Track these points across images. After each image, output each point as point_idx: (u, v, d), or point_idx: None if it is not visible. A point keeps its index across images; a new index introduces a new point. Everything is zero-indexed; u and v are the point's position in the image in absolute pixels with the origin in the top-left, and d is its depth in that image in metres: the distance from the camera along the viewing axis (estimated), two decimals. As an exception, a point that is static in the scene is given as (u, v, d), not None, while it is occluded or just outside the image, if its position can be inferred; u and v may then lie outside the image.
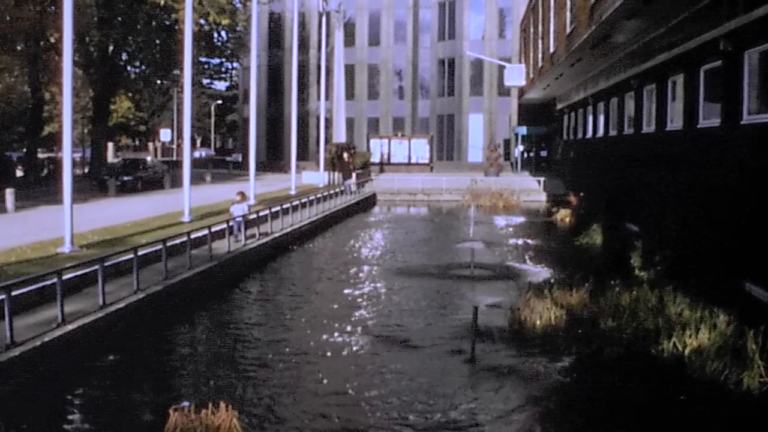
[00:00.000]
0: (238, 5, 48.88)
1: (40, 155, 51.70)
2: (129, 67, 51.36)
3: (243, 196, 21.74)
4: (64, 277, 11.85)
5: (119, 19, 44.94)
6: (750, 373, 10.23)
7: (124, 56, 49.41)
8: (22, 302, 11.76)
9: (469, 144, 63.55)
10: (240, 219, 20.97)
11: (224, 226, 20.02)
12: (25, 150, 47.79)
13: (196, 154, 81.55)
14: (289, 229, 25.04)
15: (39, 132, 47.37)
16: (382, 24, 67.11)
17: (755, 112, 13.84)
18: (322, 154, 45.60)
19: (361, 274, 20.09)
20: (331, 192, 36.02)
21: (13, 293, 10.65)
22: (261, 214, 23.56)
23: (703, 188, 16.54)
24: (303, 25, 63.98)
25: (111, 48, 47.12)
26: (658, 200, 20.51)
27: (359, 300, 16.74)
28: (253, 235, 21.89)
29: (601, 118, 31.04)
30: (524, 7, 53.12)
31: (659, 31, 19.83)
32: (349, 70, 62.91)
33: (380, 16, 66.97)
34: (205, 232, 18.49)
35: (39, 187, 38.83)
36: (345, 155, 41.45)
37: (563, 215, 33.35)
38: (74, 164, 19.58)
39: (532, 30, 44.75)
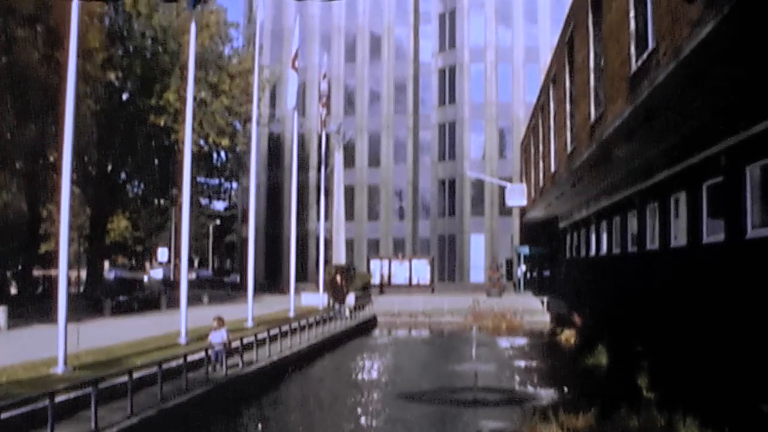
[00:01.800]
0: (238, 126, 49.32)
1: (36, 273, 51.19)
2: (127, 186, 51.50)
3: (220, 321, 19.65)
4: (57, 399, 11.23)
5: (119, 138, 45.26)
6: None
7: (123, 175, 49.59)
8: (12, 425, 11.05)
9: (471, 264, 63.06)
10: (220, 348, 18.88)
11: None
12: (20, 267, 47.29)
13: (193, 275, 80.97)
14: (287, 353, 24.07)
15: (35, 249, 46.94)
16: (382, 145, 67.73)
17: (759, 226, 13.42)
18: (322, 275, 44.99)
19: (361, 400, 19.11)
20: (330, 314, 35.24)
21: (2, 416, 10.08)
22: (258, 337, 22.70)
23: (710, 305, 15.92)
24: (302, 145, 64.44)
25: (110, 167, 47.30)
26: (664, 319, 19.80)
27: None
28: (251, 361, 20.83)
29: (604, 237, 30.61)
30: (524, 126, 53.56)
31: (660, 148, 19.54)
32: (349, 191, 62.96)
33: (380, 137, 67.67)
34: (202, 354, 17.75)
35: (33, 305, 38.16)
36: (338, 278, 40.77)
37: (567, 336, 32.57)
38: (69, 282, 19.07)
39: (532, 150, 44.87)
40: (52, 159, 40.56)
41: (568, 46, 27.77)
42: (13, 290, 44.86)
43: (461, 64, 65.65)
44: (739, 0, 9.28)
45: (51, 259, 50.76)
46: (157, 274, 70.51)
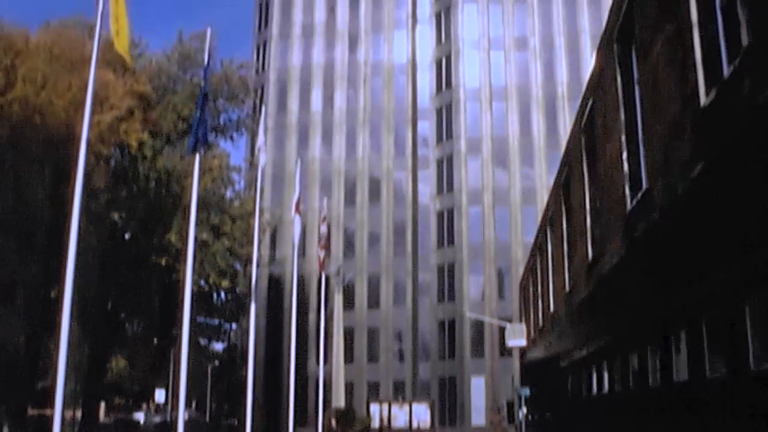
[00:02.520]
0: (238, 268, 49.59)
1: (30, 411, 50.15)
2: (127, 325, 51.26)
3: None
4: None
5: (120, 277, 45.42)
6: None
7: (123, 314, 49.43)
8: None
9: (472, 407, 61.98)
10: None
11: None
12: (14, 405, 46.37)
13: (190, 416, 79.21)
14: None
15: (32, 386, 46.24)
16: (381, 286, 67.84)
17: (762, 359, 13.39)
18: (321, 419, 44.18)
19: None
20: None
21: None
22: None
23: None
24: (303, 287, 64.57)
25: (110, 305, 47.22)
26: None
27: None
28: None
29: (606, 375, 30.29)
30: (522, 267, 53.83)
31: (658, 284, 19.66)
32: (349, 333, 62.62)
33: (379, 279, 67.86)
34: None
35: (24, 448, 37.26)
36: (333, 422, 40.03)
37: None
38: (64, 422, 18.64)
39: (531, 289, 44.91)
40: (53, 295, 40.67)
41: (564, 187, 28.29)
42: (5, 430, 43.74)
43: (459, 206, 66.69)
44: (727, 144, 9.53)
45: (47, 397, 49.88)
46: (154, 416, 69.08)
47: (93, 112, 19.83)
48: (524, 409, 58.53)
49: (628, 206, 16.55)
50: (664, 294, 19.64)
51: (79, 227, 18.05)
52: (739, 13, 8.84)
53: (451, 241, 66.71)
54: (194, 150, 25.24)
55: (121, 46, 16.31)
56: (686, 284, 17.60)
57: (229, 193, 52.64)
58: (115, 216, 44.49)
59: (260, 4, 77.84)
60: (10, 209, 34.00)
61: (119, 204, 44.42)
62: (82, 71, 32.49)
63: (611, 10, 16.78)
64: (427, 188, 69.91)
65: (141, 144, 43.50)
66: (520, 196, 65.29)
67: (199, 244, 41.77)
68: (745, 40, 8.68)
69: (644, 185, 14.96)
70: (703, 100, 10.29)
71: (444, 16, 71.99)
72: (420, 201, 69.88)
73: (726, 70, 9.53)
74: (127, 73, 41.03)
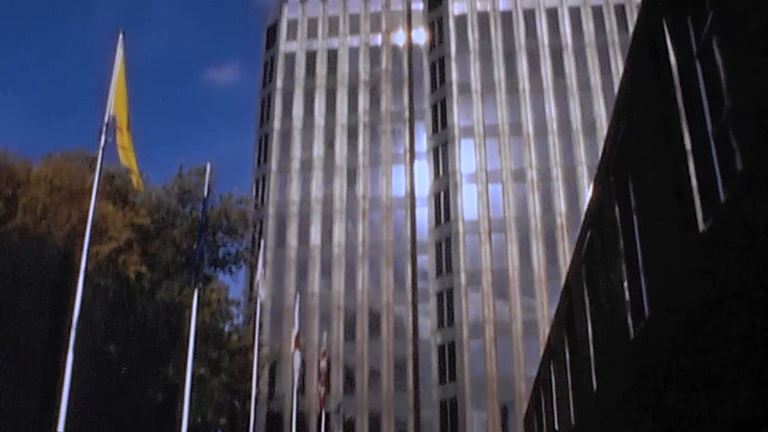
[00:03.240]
0: (237, 404, 48.66)
1: None
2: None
3: None
4: None
5: (114, 410, 44.40)
6: None
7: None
8: None
9: None
10: None
11: None
12: None
13: None
14: None
15: None
16: (382, 424, 66.49)
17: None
18: None
19: None
20: None
21: None
22: None
23: None
24: (302, 424, 63.11)
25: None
26: None
27: None
28: None
29: None
30: (526, 401, 52.78)
31: (666, 418, 19.10)
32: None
33: (381, 416, 66.51)
34: None
35: None
36: None
37: None
38: None
39: (536, 424, 43.88)
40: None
41: (566, 319, 27.99)
42: None
43: (460, 340, 65.95)
44: (728, 269, 9.39)
45: None
46: None
47: (92, 243, 19.87)
48: None
49: (631, 335, 16.26)
50: (673, 425, 19.05)
51: (75, 361, 17.73)
52: (732, 140, 8.95)
53: (453, 376, 65.63)
54: (193, 283, 25.17)
55: (133, 171, 17.00)
56: (693, 422, 17.05)
57: (227, 327, 52.22)
58: (112, 348, 43.91)
59: (260, 139, 79.45)
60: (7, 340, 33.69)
61: (116, 336, 43.93)
62: (82, 202, 32.93)
63: (606, 141, 16.83)
64: (427, 322, 69.37)
65: (139, 276, 43.45)
66: (522, 328, 64.68)
67: (197, 379, 41.07)
68: (739, 165, 8.75)
69: (647, 314, 14.62)
70: (702, 226, 10.32)
71: (441, 150, 73.30)
72: (420, 335, 69.20)
73: (722, 196, 9.60)
74: (126, 206, 41.46)
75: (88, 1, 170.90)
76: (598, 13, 75.94)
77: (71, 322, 17.49)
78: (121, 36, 17.36)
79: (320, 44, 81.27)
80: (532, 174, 70.23)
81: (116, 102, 16.43)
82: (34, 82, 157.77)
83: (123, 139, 16.23)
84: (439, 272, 69.81)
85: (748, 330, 11.41)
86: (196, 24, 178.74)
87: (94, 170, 17.82)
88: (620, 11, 75.03)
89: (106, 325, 40.65)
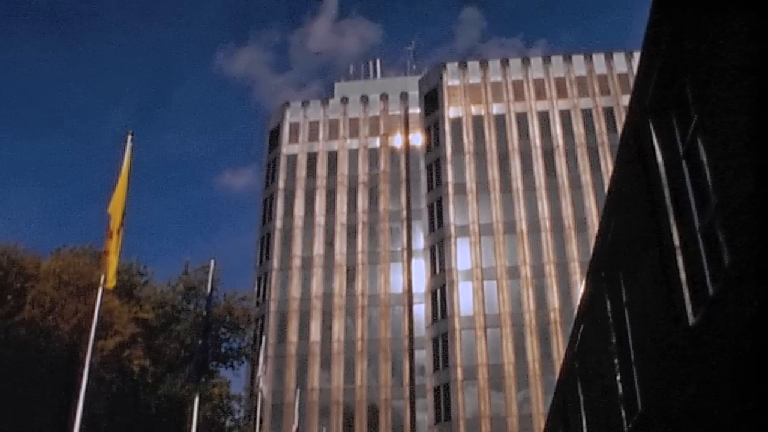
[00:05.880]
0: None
1: None
2: None
3: None
4: None
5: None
6: None
7: None
8: None
9: None
10: None
11: None
12: None
13: None
14: None
15: None
16: None
17: None
18: None
19: None
20: None
21: None
22: None
23: None
24: None
25: None
26: None
27: None
28: None
29: None
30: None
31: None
32: None
33: None
34: None
35: None
36: None
37: None
38: None
39: None
40: None
41: (560, 413, 28.09)
42: None
43: (457, 433, 66.49)
44: (717, 363, 9.46)
45: None
46: None
47: (97, 338, 19.95)
48: None
49: (626, 431, 15.95)
50: None
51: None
52: (719, 236, 9.16)
53: (450, 468, 65.95)
54: (195, 378, 26.10)
55: (107, 275, 16.34)
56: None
57: (228, 422, 52.88)
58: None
59: (262, 238, 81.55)
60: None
61: (119, 430, 44.70)
62: (89, 297, 34.06)
63: (597, 238, 17.23)
64: (425, 416, 69.95)
65: (143, 370, 44.50)
66: (518, 423, 65.27)
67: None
68: (726, 260, 8.92)
69: (639, 408, 14.56)
70: (691, 320, 10.45)
71: (438, 248, 75.15)
72: (418, 430, 69.65)
73: (711, 290, 9.72)
74: (132, 300, 42.74)
75: (105, 104, 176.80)
76: (587, 115, 78.86)
77: (75, 415, 18.00)
78: (129, 137, 17.33)
79: (321, 146, 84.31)
80: (526, 271, 71.91)
81: (114, 202, 16.41)
82: (50, 178, 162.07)
83: (110, 243, 16.17)
84: (436, 367, 70.69)
85: (739, 423, 11.78)
86: (204, 130, 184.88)
87: (100, 266, 18.03)
88: (609, 113, 77.96)
89: (109, 419, 41.53)
